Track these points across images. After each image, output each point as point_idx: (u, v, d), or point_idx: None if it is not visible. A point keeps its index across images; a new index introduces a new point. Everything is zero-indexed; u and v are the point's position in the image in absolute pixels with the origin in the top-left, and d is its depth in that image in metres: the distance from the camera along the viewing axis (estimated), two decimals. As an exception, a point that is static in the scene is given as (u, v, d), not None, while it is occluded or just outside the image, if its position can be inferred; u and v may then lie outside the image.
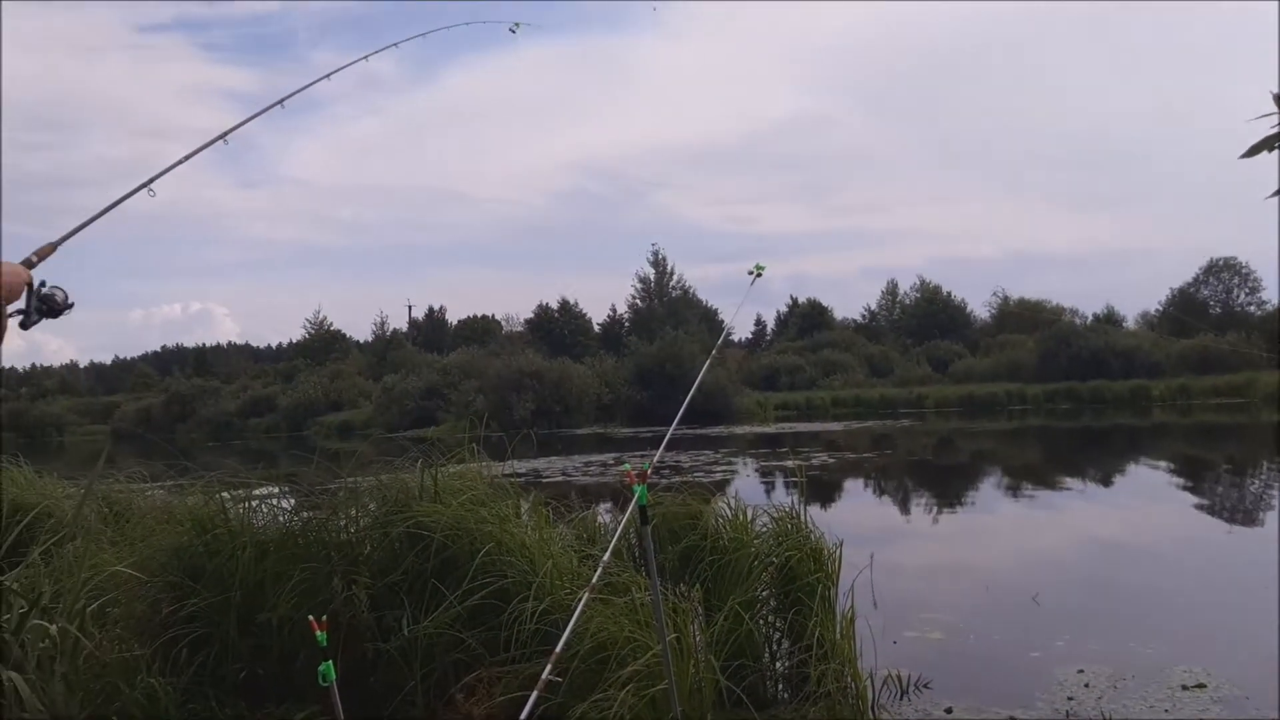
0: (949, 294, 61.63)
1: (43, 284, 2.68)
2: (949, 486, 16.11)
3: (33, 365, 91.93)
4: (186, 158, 3.37)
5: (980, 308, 60.98)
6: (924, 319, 59.37)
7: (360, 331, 75.73)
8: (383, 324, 69.34)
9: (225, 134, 3.55)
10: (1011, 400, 40.81)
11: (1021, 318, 52.89)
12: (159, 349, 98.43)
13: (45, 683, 3.65)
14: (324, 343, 68.33)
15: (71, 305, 2.74)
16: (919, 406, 41.25)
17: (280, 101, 3.81)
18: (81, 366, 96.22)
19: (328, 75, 4.06)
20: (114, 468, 7.10)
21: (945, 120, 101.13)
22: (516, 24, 4.90)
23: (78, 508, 5.37)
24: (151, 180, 3.21)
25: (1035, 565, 8.70)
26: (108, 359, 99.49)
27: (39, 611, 3.88)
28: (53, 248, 2.80)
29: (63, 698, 3.66)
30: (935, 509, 13.42)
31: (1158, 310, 54.26)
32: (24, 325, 2.60)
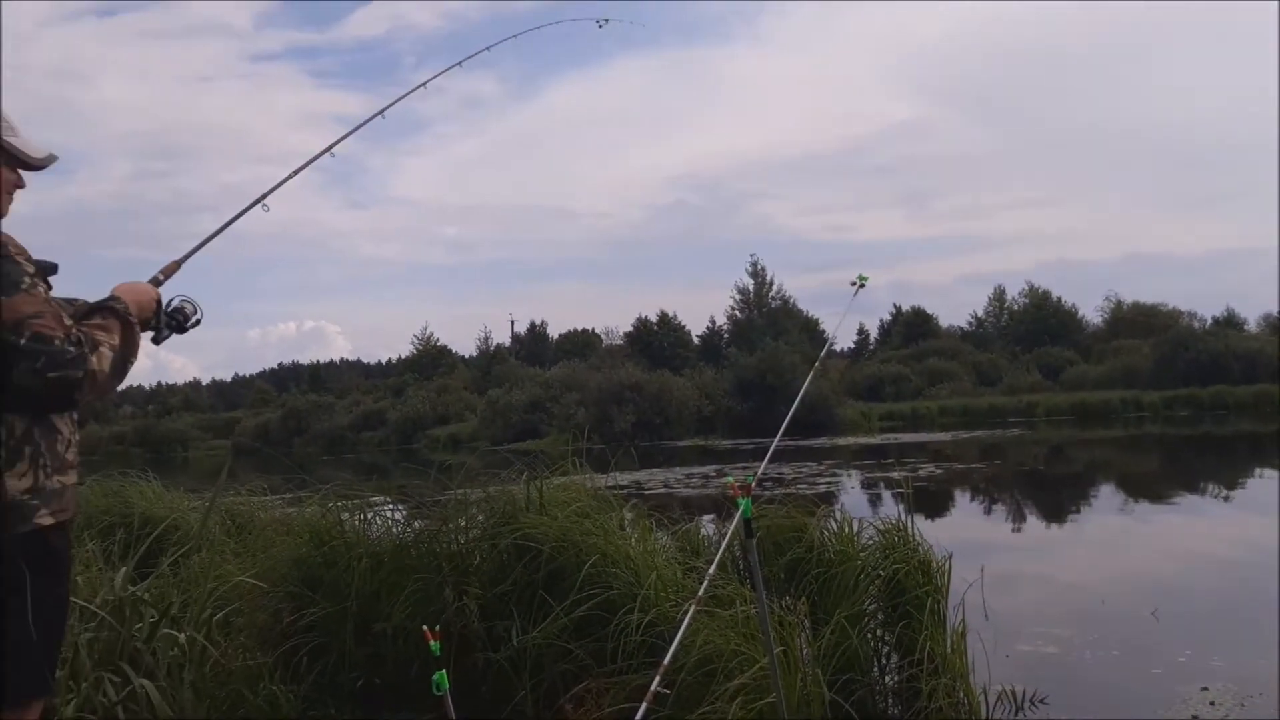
0: (1059, 299, 59.96)
1: (171, 300, 2.82)
2: (1061, 497, 15.64)
3: (159, 383, 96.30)
4: (296, 172, 3.53)
5: (1092, 312, 59.22)
6: (1033, 325, 57.79)
7: (465, 347, 77.27)
8: (486, 339, 70.66)
9: (330, 147, 3.71)
10: (1127, 407, 39.42)
11: (1136, 322, 51.14)
12: (276, 366, 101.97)
13: (175, 690, 3.82)
14: (431, 358, 69.92)
15: (199, 319, 2.88)
16: (1029, 415, 40.14)
17: (381, 112, 3.98)
18: (204, 384, 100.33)
19: (423, 84, 4.21)
20: (235, 481, 7.37)
21: (1049, 121, 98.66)
22: (604, 19, 4.93)
23: (203, 521, 5.60)
24: (264, 196, 3.36)
25: (1153, 579, 8.39)
26: (228, 376, 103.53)
27: (168, 621, 4.06)
28: (177, 265, 2.94)
29: (191, 704, 3.81)
30: (1047, 520, 13.06)
31: (1280, 313, 51.81)
32: (155, 341, 2.74)
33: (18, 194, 2.57)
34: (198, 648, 4.00)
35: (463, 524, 4.69)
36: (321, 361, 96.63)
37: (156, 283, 2.85)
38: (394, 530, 4.85)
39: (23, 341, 2.23)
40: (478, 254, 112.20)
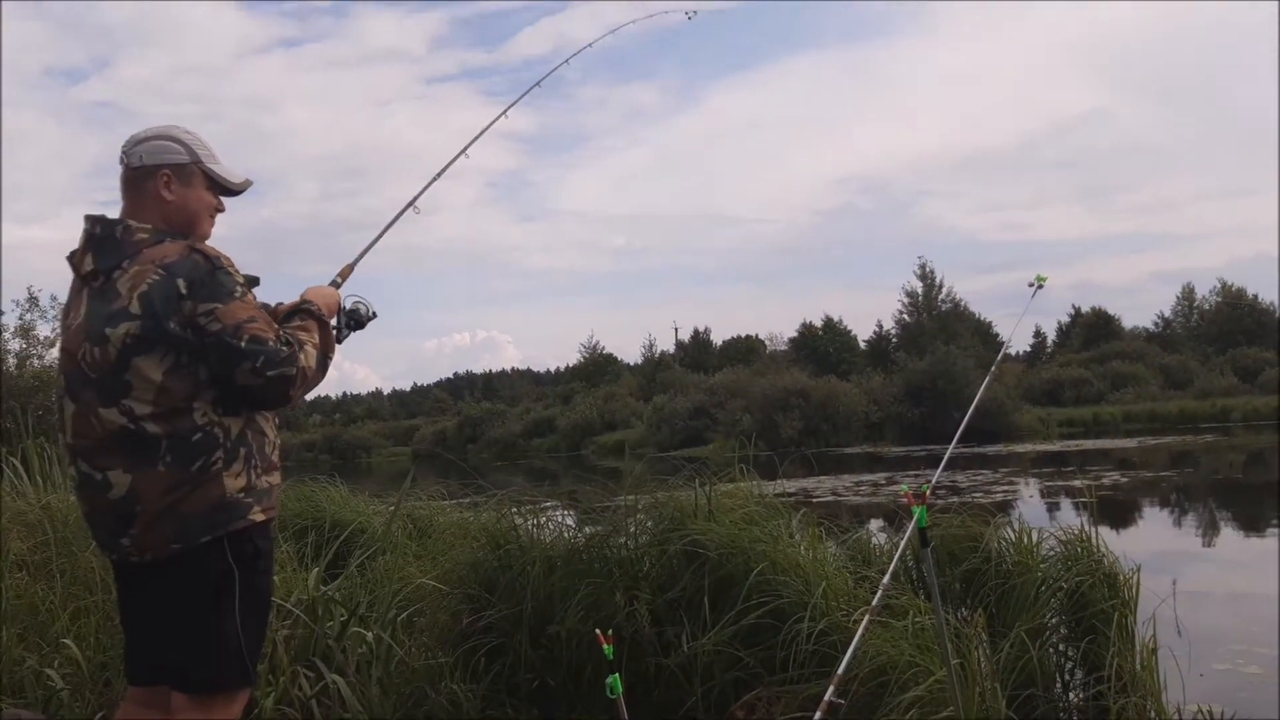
0: (1255, 296, 56.09)
1: (346, 301, 2.98)
2: (1260, 507, 14.61)
3: (344, 393, 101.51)
4: (438, 175, 3.70)
5: (1291, 310, 55.09)
6: (1226, 324, 54.25)
7: (630, 354, 78.21)
8: (651, 346, 71.31)
9: (468, 145, 3.87)
10: (1334, 410, 36.49)
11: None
12: (451, 375, 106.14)
13: (364, 686, 4.00)
14: (597, 366, 71.18)
15: (375, 315, 3.05)
16: (1224, 420, 37.65)
17: (504, 112, 4.11)
18: (385, 394, 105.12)
19: (566, 60, 4.46)
20: (415, 486, 7.67)
21: (1240, 106, 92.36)
22: (694, 10, 4.90)
23: (388, 524, 5.85)
24: (415, 199, 3.55)
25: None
26: (407, 386, 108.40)
27: (357, 620, 4.26)
28: (351, 268, 3.13)
29: (378, 700, 3.99)
30: (1246, 532, 12.24)
31: None
32: (338, 340, 2.89)
33: (218, 217, 2.78)
34: (384, 646, 4.18)
35: (632, 529, 4.75)
36: (494, 371, 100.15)
37: (335, 285, 3.04)
38: (566, 535, 4.95)
39: (242, 344, 2.41)
40: (642, 262, 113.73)
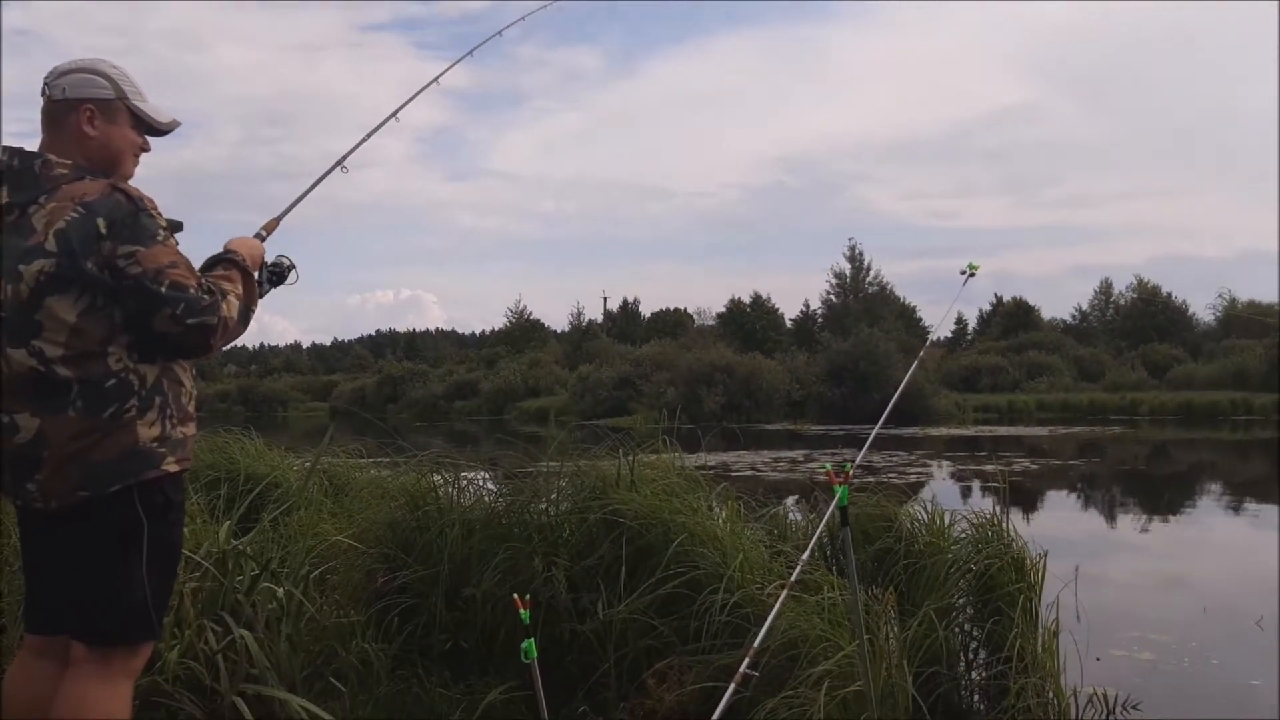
0: (1169, 295, 57.80)
1: (270, 257, 2.95)
2: (1163, 499, 15.15)
3: (261, 344, 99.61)
4: (371, 133, 3.68)
5: (1203, 310, 56.92)
6: (1140, 320, 55.87)
7: (557, 321, 77.96)
8: (579, 314, 71.15)
9: (399, 108, 3.84)
10: (1236, 409, 37.86)
11: (1250, 321, 49.02)
12: (374, 333, 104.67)
13: (272, 642, 3.94)
14: (523, 331, 70.81)
15: (295, 272, 3.01)
16: (1132, 413, 38.87)
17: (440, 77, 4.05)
18: (304, 347, 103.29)
19: (499, 32, 4.39)
20: (332, 443, 7.56)
21: (1165, 109, 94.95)
22: None
23: (304, 480, 5.76)
24: (343, 159, 3.51)
25: (1259, 587, 8.06)
26: (327, 340, 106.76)
27: (268, 575, 4.19)
28: (276, 222, 3.10)
29: (286, 656, 3.93)
30: (1146, 521, 12.66)
31: None
32: (258, 294, 2.83)
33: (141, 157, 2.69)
34: (294, 602, 4.12)
35: (553, 496, 4.74)
36: (418, 330, 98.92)
37: (260, 238, 2.99)
38: (486, 499, 4.92)
39: (163, 290, 2.34)
40: (573, 229, 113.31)
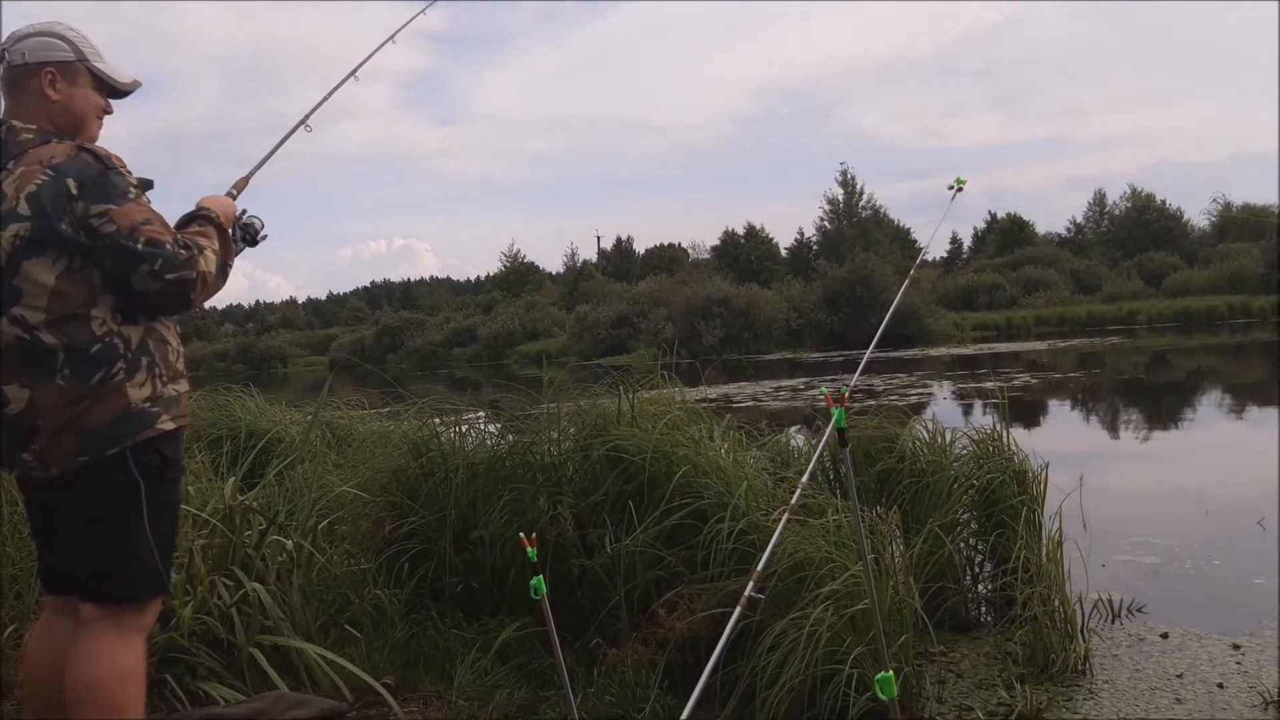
0: (1163, 202, 57.64)
1: (243, 213, 2.93)
2: (1163, 406, 15.23)
3: (257, 302, 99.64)
4: (330, 92, 3.61)
5: (1198, 216, 56.85)
6: (1135, 230, 55.71)
7: (552, 263, 77.81)
8: (573, 255, 70.85)
9: (356, 69, 3.75)
10: (1234, 314, 37.93)
11: (1245, 225, 48.86)
12: (369, 284, 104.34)
13: (284, 593, 3.98)
14: (518, 275, 70.66)
15: (265, 234, 2.98)
16: (1130, 323, 38.93)
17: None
18: (300, 302, 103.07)
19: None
20: (333, 396, 7.57)
21: (1156, 14, 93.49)
22: None
23: (306, 433, 5.78)
24: (305, 118, 3.45)
25: (1259, 488, 8.13)
26: (323, 294, 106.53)
27: (276, 528, 4.22)
28: (245, 181, 3.06)
29: (300, 607, 3.98)
30: (1147, 430, 12.75)
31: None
32: None
33: (106, 120, 2.67)
34: (304, 554, 4.16)
35: (555, 436, 4.76)
36: (412, 279, 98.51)
37: (231, 197, 2.97)
38: (489, 442, 4.94)
39: (139, 246, 2.33)
40: (563, 169, 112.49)
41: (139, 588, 2.50)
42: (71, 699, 2.43)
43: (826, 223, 63.93)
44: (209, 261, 2.46)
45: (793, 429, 7.30)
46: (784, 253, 64.42)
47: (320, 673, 3.68)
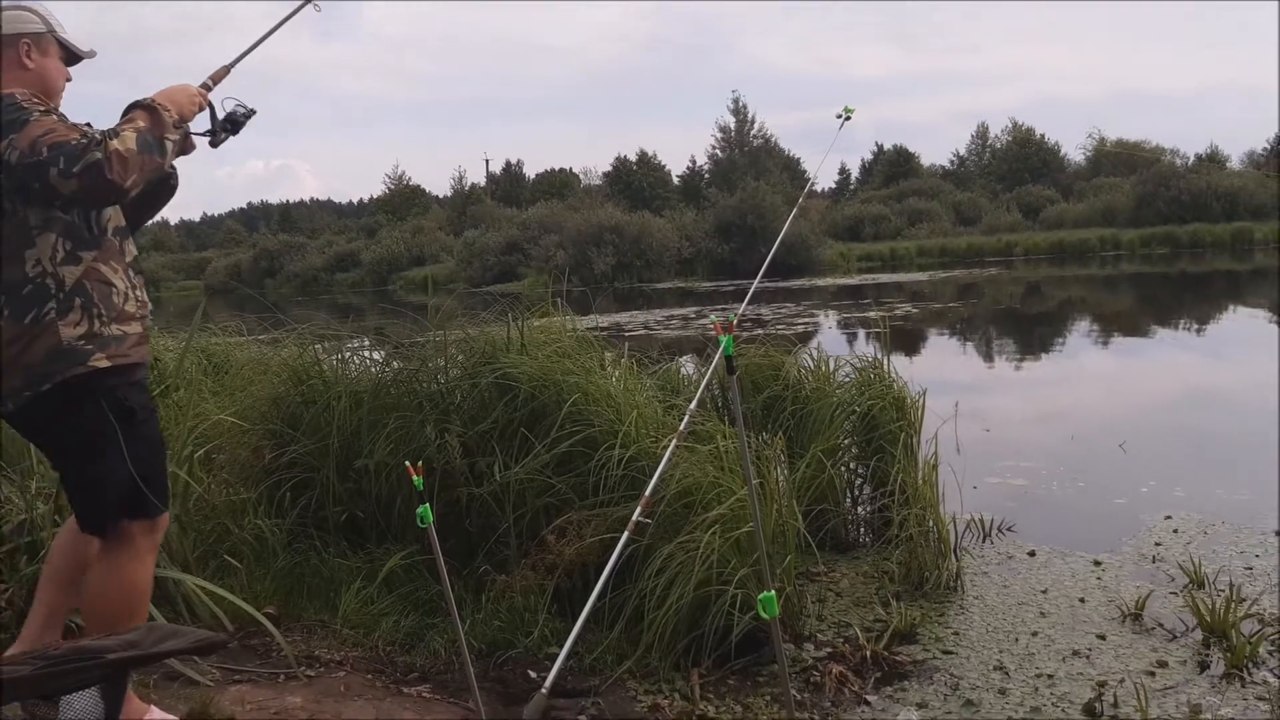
0: (1042, 136, 59.24)
1: (225, 101, 2.92)
2: (1035, 335, 15.86)
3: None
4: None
5: (1075, 151, 58.64)
6: (1015, 163, 57.26)
7: (439, 187, 76.25)
8: (461, 179, 69.33)
9: None
10: (1105, 246, 39.51)
11: (1118, 159, 50.67)
12: (245, 205, 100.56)
13: (161, 524, 3.87)
14: (404, 198, 68.93)
15: (253, 112, 2.98)
16: (1008, 255, 40.22)
17: None
18: (172, 224, 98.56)
19: None
20: (209, 321, 7.32)
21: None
22: None
23: (180, 360, 5.57)
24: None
25: (1123, 413, 8.58)
26: (196, 216, 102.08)
27: (151, 458, 4.08)
28: (226, 71, 3.02)
29: (177, 537, 3.88)
30: (1020, 358, 13.27)
31: (1265, 149, 51.44)
32: (213, 144, 2.92)
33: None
34: (180, 483, 4.03)
35: (442, 364, 4.69)
36: (291, 201, 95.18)
37: (206, 88, 2.92)
38: (373, 370, 4.84)
39: (43, 155, 2.37)
40: (451, 91, 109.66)
41: (127, 510, 2.60)
42: (85, 611, 2.71)
43: (718, 151, 64.06)
44: (125, 140, 2.43)
45: (683, 358, 7.37)
46: (676, 180, 64.34)
47: (199, 603, 3.61)
